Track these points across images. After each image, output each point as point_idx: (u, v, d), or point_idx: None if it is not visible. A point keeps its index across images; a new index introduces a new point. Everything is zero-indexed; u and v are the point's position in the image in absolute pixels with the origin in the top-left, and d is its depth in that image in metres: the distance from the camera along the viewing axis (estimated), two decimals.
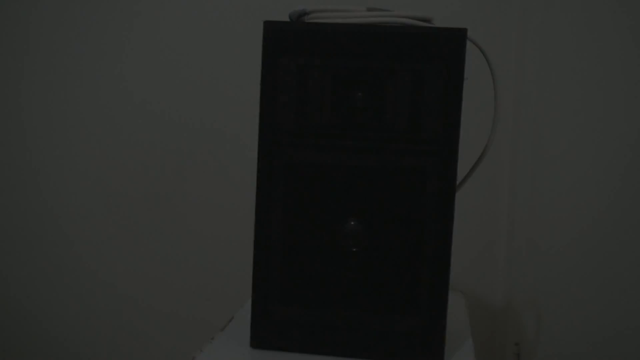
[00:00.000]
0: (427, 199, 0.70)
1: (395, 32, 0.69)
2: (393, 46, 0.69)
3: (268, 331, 0.71)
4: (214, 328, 1.19)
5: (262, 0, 1.17)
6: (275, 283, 0.70)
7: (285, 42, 0.69)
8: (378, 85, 0.70)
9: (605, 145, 1.15)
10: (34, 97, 1.09)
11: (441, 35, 0.69)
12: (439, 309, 0.70)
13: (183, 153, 1.17)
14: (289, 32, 0.69)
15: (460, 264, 1.21)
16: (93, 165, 1.13)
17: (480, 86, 1.08)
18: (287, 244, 0.70)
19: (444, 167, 0.70)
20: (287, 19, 0.79)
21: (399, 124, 0.70)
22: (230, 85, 1.18)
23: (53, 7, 1.09)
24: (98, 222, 1.14)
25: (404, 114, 0.70)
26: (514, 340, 1.29)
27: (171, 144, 1.16)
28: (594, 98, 1.16)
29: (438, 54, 0.69)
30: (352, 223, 0.70)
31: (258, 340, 0.71)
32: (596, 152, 1.16)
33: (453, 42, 0.69)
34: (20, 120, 1.09)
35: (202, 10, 1.16)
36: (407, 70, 0.70)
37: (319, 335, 0.71)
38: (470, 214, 1.25)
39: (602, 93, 1.15)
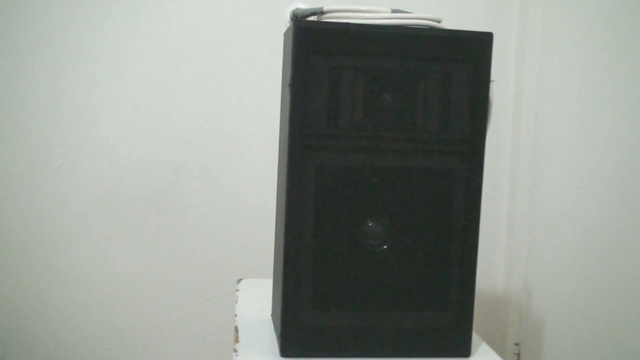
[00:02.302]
0: (455, 198, 0.71)
1: (425, 34, 0.69)
2: (422, 48, 0.70)
3: (299, 339, 0.69)
4: (214, 328, 1.18)
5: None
6: (305, 289, 0.69)
7: (316, 42, 0.67)
8: (408, 87, 0.70)
9: (605, 144, 1.15)
10: (32, 96, 1.09)
11: (469, 39, 0.70)
12: (466, 304, 0.71)
13: (183, 153, 1.16)
14: (321, 31, 0.67)
15: None
16: (92, 165, 1.12)
17: None
18: (318, 247, 0.69)
19: (471, 167, 0.72)
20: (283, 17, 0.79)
21: (428, 125, 0.71)
22: (231, 85, 1.18)
23: (53, 4, 1.08)
24: (96, 222, 1.13)
25: (433, 115, 0.71)
26: (514, 340, 1.30)
27: (171, 144, 1.16)
28: (594, 98, 1.17)
29: (466, 56, 0.70)
30: (381, 223, 0.70)
31: (289, 350, 0.69)
32: (596, 151, 1.16)
33: (480, 45, 0.70)
34: (19, 119, 1.08)
35: (202, 9, 1.16)
36: (436, 72, 0.70)
37: (351, 338, 0.70)
38: None
39: (602, 93, 1.15)
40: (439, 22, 0.73)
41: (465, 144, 0.71)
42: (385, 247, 0.70)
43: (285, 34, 0.77)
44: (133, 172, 1.14)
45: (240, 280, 1.00)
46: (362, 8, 0.71)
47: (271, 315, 0.83)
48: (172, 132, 1.15)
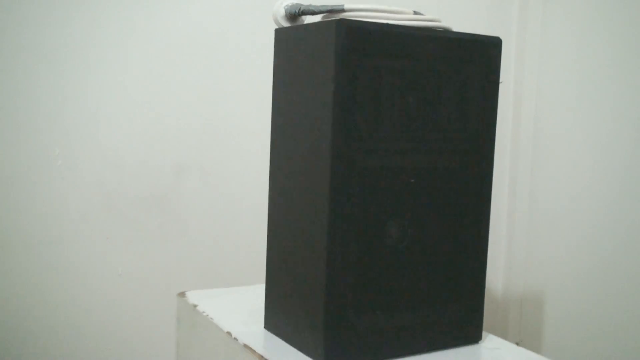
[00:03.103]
0: (470, 195, 0.76)
1: (448, 36, 0.72)
2: (444, 50, 0.71)
3: (343, 344, 0.68)
4: None
5: None
6: (348, 291, 0.68)
7: (359, 42, 0.65)
8: (435, 88, 0.71)
9: (605, 144, 1.15)
10: (32, 96, 1.08)
11: (483, 42, 0.74)
12: (479, 293, 0.77)
13: (183, 154, 1.16)
14: (364, 31, 0.66)
15: None
16: (92, 165, 1.12)
17: None
18: (361, 249, 0.68)
19: (484, 165, 0.77)
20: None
21: (452, 125, 0.73)
22: (231, 86, 1.18)
23: (53, 4, 1.08)
24: (96, 222, 1.13)
25: (455, 115, 0.73)
26: (514, 340, 1.30)
27: (171, 145, 1.16)
28: (594, 98, 1.17)
29: (479, 59, 0.74)
30: (414, 222, 0.72)
31: (334, 356, 0.68)
32: (596, 151, 1.16)
33: (492, 48, 0.74)
34: (19, 119, 1.08)
35: (202, 9, 1.15)
36: (458, 74, 0.73)
37: (388, 338, 0.71)
38: None
39: (602, 93, 1.15)
40: (439, 22, 0.74)
41: (478, 144, 0.75)
42: (416, 245, 0.72)
43: (280, 32, 0.74)
44: (133, 172, 1.14)
45: (183, 293, 0.91)
46: (387, 8, 0.70)
47: (265, 327, 0.79)
48: (172, 132, 1.15)
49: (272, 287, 0.78)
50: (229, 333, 0.77)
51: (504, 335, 1.29)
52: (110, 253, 1.14)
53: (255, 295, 0.90)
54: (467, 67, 0.73)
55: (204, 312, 0.84)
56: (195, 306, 0.86)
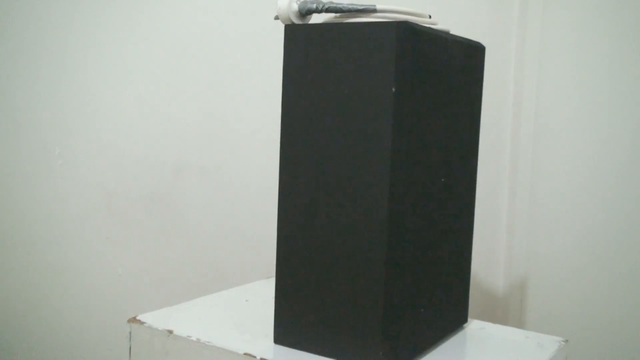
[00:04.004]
0: (462, 190, 0.79)
1: (460, 41, 0.74)
2: (457, 54, 0.74)
3: (400, 346, 0.69)
4: None
5: None
6: (402, 293, 0.69)
7: (416, 46, 0.65)
8: (452, 90, 0.74)
9: (605, 144, 1.15)
10: (32, 95, 1.08)
11: (478, 47, 0.78)
12: (467, 281, 0.84)
13: (183, 153, 1.16)
14: (421, 35, 0.66)
15: None
16: (92, 165, 1.12)
17: None
18: (412, 248, 0.70)
19: (471, 163, 0.80)
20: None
21: (460, 125, 0.76)
22: (231, 84, 1.18)
23: (53, 4, 1.08)
24: (97, 222, 1.13)
25: (460, 115, 0.76)
26: None
27: (171, 144, 1.16)
28: (594, 98, 1.17)
29: (475, 62, 0.78)
30: (440, 222, 0.75)
31: (392, 354, 0.68)
32: (596, 151, 1.17)
33: (479, 54, 0.79)
34: (19, 119, 1.08)
35: (202, 8, 1.15)
36: (462, 76, 0.75)
37: (423, 332, 0.74)
38: None
39: (602, 93, 1.15)
40: (436, 24, 0.74)
41: (468, 143, 0.78)
42: (438, 243, 0.75)
43: (294, 29, 0.71)
44: (133, 172, 1.14)
45: (136, 318, 0.80)
46: (413, 10, 0.70)
47: (276, 342, 0.73)
48: (173, 131, 1.15)
49: (288, 299, 0.72)
50: (249, 355, 0.68)
51: None
52: (110, 253, 1.14)
53: (219, 307, 0.85)
54: (467, 70, 0.76)
55: (189, 336, 0.72)
56: (170, 332, 0.74)
